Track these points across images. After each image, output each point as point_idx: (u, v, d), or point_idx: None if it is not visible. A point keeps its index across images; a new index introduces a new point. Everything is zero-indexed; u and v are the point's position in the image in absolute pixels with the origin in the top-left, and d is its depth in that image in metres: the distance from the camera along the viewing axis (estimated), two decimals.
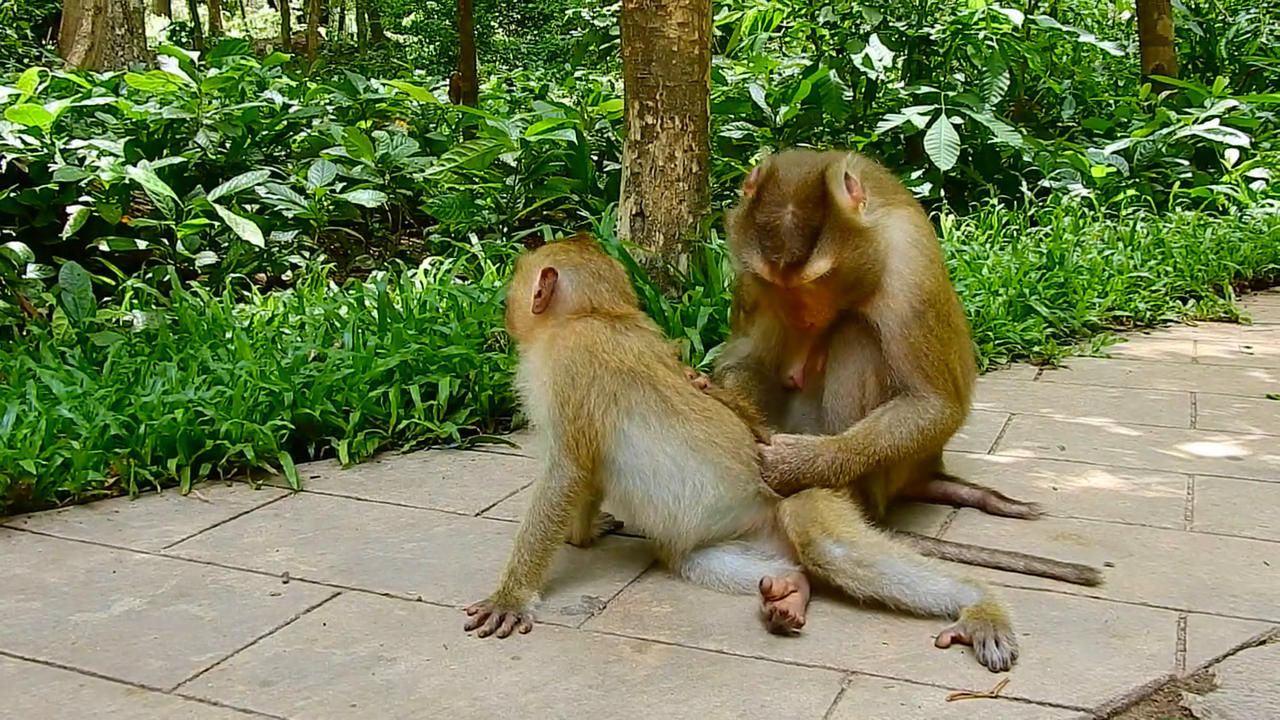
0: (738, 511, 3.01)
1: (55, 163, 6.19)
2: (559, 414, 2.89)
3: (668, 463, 2.92)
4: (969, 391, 3.44)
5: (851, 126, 9.33)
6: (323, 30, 32.02)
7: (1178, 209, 8.17)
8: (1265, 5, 14.35)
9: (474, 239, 6.67)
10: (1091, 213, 7.96)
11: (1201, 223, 7.73)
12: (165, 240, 6.26)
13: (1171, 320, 6.36)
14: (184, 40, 25.19)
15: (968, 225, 7.51)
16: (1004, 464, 4.02)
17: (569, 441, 2.89)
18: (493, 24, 30.38)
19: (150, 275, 5.85)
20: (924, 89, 8.87)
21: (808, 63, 10.32)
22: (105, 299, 5.55)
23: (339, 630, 2.78)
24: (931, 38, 9.70)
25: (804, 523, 2.92)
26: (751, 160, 8.69)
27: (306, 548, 3.29)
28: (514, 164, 7.64)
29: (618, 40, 6.36)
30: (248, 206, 6.88)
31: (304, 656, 2.65)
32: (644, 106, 5.34)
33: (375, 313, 4.91)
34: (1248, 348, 5.81)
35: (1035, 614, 2.84)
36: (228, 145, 7.68)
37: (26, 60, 15.35)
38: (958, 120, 8.33)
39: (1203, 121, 9.22)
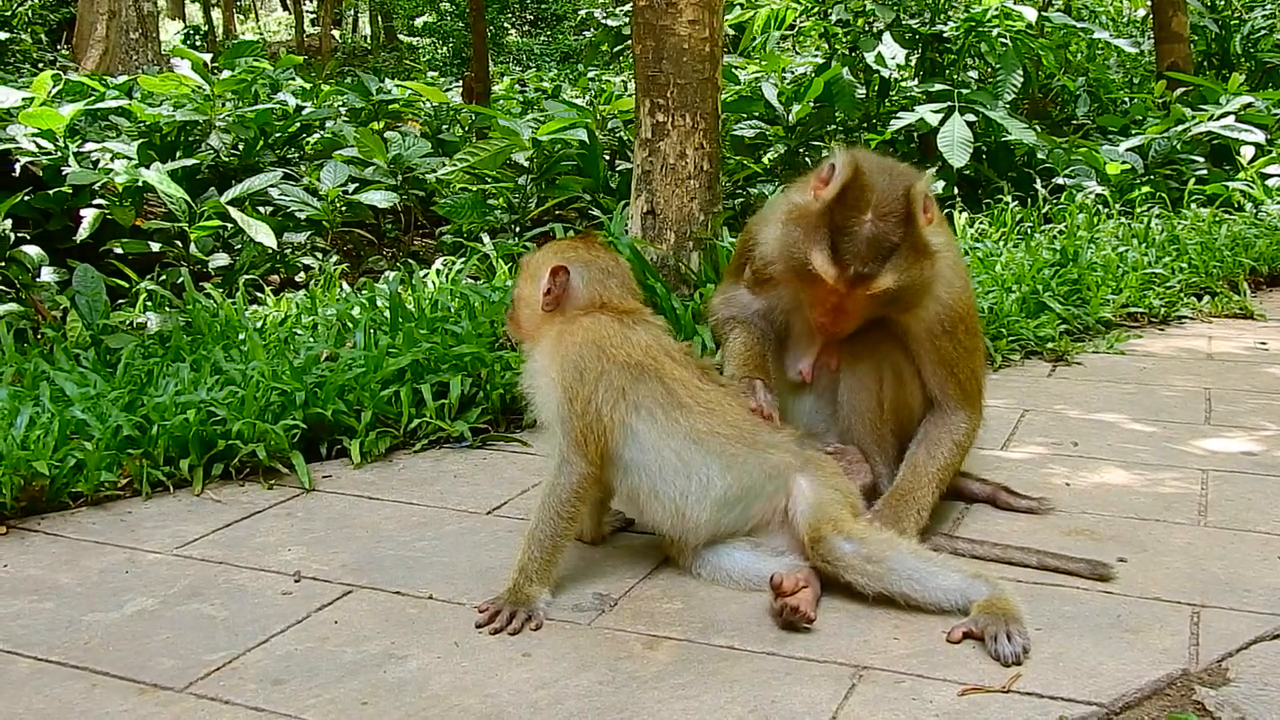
0: (747, 502, 3.00)
1: (69, 166, 6.23)
2: (567, 410, 2.90)
3: (673, 458, 2.93)
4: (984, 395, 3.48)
5: (864, 125, 9.31)
6: (336, 33, 32.13)
7: (1193, 206, 8.14)
8: None
9: (486, 239, 6.69)
10: (1106, 210, 7.94)
11: (1217, 219, 7.71)
12: (178, 242, 6.29)
13: (1186, 317, 6.33)
14: (198, 44, 25.28)
15: (981, 222, 7.49)
16: (1016, 460, 4.01)
17: (577, 438, 2.89)
18: (506, 25, 30.41)
19: (164, 277, 5.87)
20: (937, 86, 8.84)
21: (820, 61, 10.29)
22: (119, 301, 5.58)
23: (350, 628, 2.79)
24: (945, 35, 9.66)
25: (814, 519, 2.92)
26: (764, 159, 8.68)
27: (318, 547, 3.30)
28: (526, 164, 7.65)
29: (630, 40, 6.36)
30: (261, 208, 6.91)
31: (315, 655, 2.66)
32: (655, 104, 5.35)
33: (387, 312, 4.92)
34: (1263, 344, 5.78)
35: (1047, 609, 2.83)
36: (240, 147, 7.72)
37: (41, 64, 15.42)
38: (971, 118, 8.30)
39: (1218, 118, 9.18)
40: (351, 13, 37.34)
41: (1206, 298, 6.59)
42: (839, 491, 3.01)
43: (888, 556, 2.85)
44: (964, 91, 8.65)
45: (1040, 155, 8.82)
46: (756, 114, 9.24)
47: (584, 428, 2.89)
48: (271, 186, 6.86)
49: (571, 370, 2.91)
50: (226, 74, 8.90)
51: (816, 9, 10.52)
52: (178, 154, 7.22)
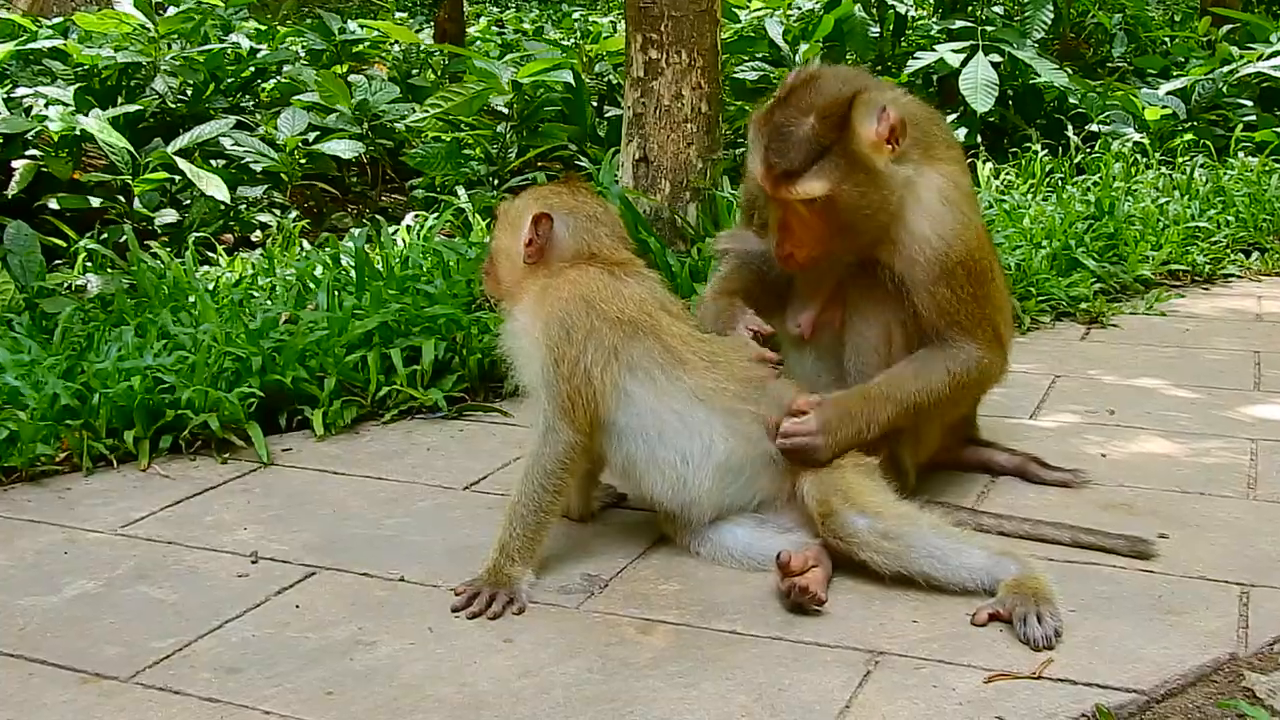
0: (752, 471, 2.99)
1: None
2: (553, 372, 2.88)
3: (674, 420, 2.92)
4: (1009, 341, 3.44)
5: (879, 67, 9.26)
6: None
7: (1240, 154, 8.12)
8: None
9: (461, 192, 6.65)
10: (1144, 159, 7.91)
11: (1266, 168, 7.69)
12: (121, 197, 6.25)
13: (1233, 274, 6.32)
14: None
15: (1007, 174, 7.47)
16: (1047, 429, 4.01)
17: (564, 402, 2.88)
18: None
19: (105, 236, 5.83)
20: (958, 24, 8.79)
21: None
22: (56, 262, 5.54)
23: (313, 613, 2.78)
24: None
25: (825, 491, 2.91)
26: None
27: (277, 525, 3.29)
28: (505, 110, 7.61)
29: None
30: (212, 160, 6.87)
31: (274, 641, 2.65)
32: (647, 39, 5.31)
33: (353, 272, 4.90)
34: None
35: (1082, 589, 2.83)
36: (189, 92, 7.66)
37: None
38: (996, 58, 8.26)
39: (1268, 58, 9.13)
40: None
41: (1255, 254, 6.57)
42: (853, 459, 3.00)
43: (906, 532, 2.84)
44: (988, 29, 8.59)
45: (1072, 100, 8.78)
46: (760, 55, 9.19)
47: (571, 391, 2.87)
48: (223, 136, 6.82)
49: (557, 328, 2.89)
50: (173, 11, 8.82)
51: None
52: (119, 100, 7.17)
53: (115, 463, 3.71)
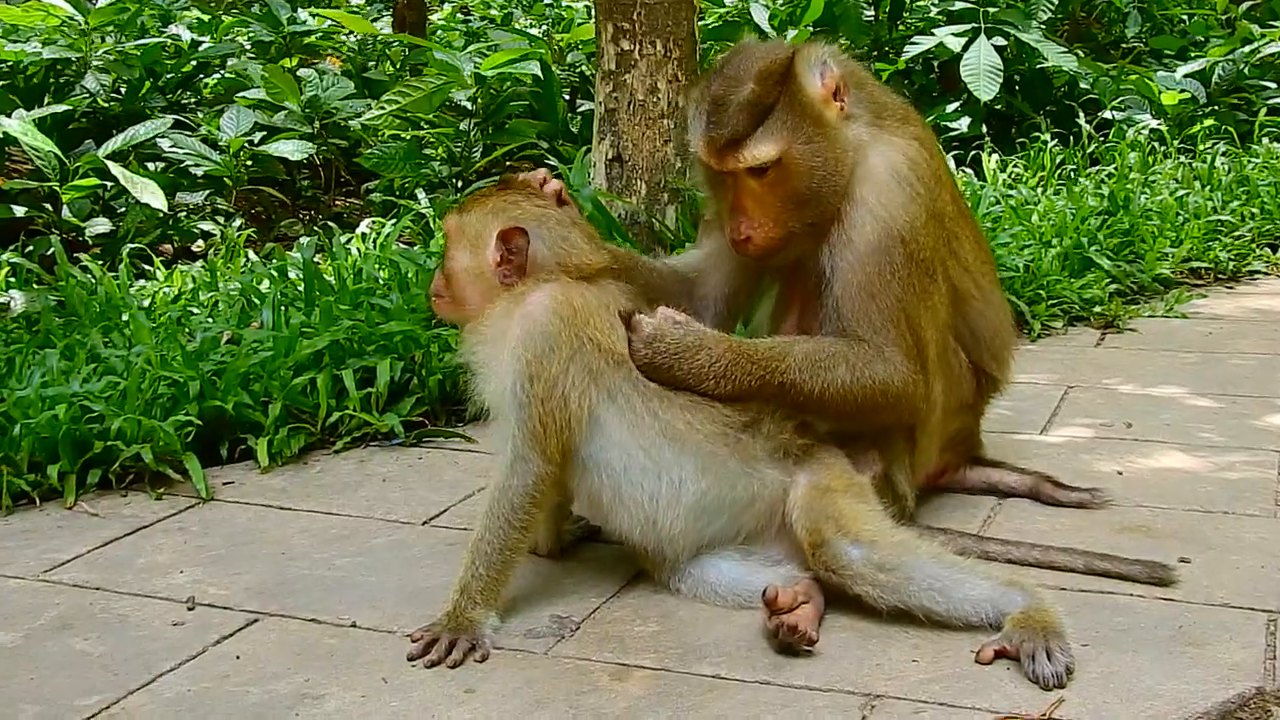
0: (734, 511, 2.97)
1: None
2: (526, 393, 2.85)
3: (640, 456, 2.89)
4: (935, 373, 3.24)
5: (874, 52, 9.29)
6: None
7: (1264, 140, 8.17)
8: None
9: (421, 195, 6.65)
10: (1162, 148, 7.95)
11: None
12: (48, 206, 6.24)
13: (1259, 271, 6.35)
14: None
15: (1015, 166, 7.49)
16: (1059, 445, 4.01)
17: (535, 428, 2.85)
18: None
19: (30, 248, 5.82)
20: (959, 5, 8.83)
21: None
22: None
23: (255, 664, 2.75)
24: None
25: (815, 519, 2.89)
26: None
27: (217, 567, 3.25)
28: (469, 105, 7.61)
29: None
30: (148, 164, 6.87)
31: (212, 696, 2.62)
32: (619, 29, 5.31)
33: (301, 285, 4.87)
34: None
35: (1096, 621, 2.82)
36: (123, 90, 7.66)
37: None
38: (1000, 41, 8.30)
39: None
40: None
41: None
42: (845, 483, 2.98)
43: (904, 563, 2.82)
44: (991, 10, 8.63)
45: (1083, 85, 8.83)
46: None
47: (544, 415, 2.84)
48: (161, 137, 6.82)
49: (540, 343, 2.85)
50: (104, 2, 8.80)
51: None
52: (46, 99, 7.17)
53: (38, 500, 3.68)
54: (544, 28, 11.89)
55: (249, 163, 7.06)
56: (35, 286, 5.17)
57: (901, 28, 9.47)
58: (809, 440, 3.05)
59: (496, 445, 2.98)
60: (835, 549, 2.85)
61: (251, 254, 6.05)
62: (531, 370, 2.85)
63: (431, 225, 6.19)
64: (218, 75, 8.41)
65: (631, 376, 2.92)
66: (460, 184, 7.28)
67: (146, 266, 5.94)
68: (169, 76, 8.21)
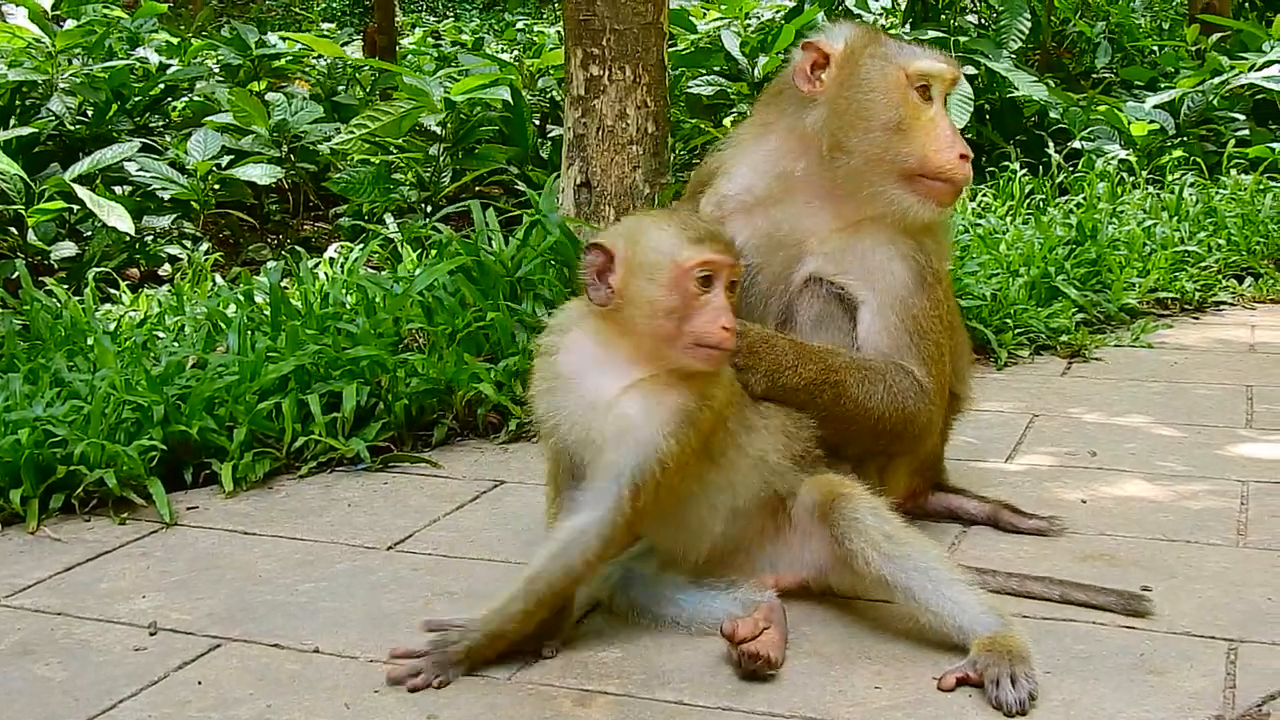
0: (747, 516, 3.02)
1: None
2: (655, 464, 2.77)
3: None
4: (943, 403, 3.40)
5: None
6: None
7: (1232, 172, 8.25)
8: None
9: (390, 220, 6.66)
10: (1131, 178, 8.03)
11: (1261, 187, 7.81)
12: (13, 229, 6.22)
13: (1225, 302, 6.42)
14: None
15: (984, 195, 7.55)
16: (1023, 473, 4.04)
17: (645, 483, 2.78)
18: None
19: None
20: (930, 34, 8.92)
21: (790, 4, 10.35)
22: None
23: (217, 690, 2.75)
24: None
25: (828, 488, 2.96)
26: (725, 121, 8.71)
27: (179, 592, 3.25)
28: (438, 130, 7.63)
29: None
30: (115, 187, 6.86)
31: None
32: (588, 54, 5.35)
33: (268, 310, 4.87)
34: None
35: (1058, 648, 2.84)
36: (90, 113, 7.65)
37: None
38: (971, 71, 8.38)
39: (1261, 69, 9.31)
40: None
41: (1249, 280, 6.68)
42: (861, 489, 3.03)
43: (910, 542, 2.86)
44: (962, 39, 8.73)
45: (1053, 114, 8.91)
46: (716, 68, 9.28)
47: (657, 485, 2.79)
48: (128, 160, 6.81)
49: (692, 417, 2.81)
50: (71, 24, 8.81)
51: None
52: (11, 122, 7.14)
53: (0, 525, 3.66)
54: (514, 53, 11.96)
55: (216, 186, 7.06)
56: (0, 310, 5.16)
57: None
58: (821, 452, 3.11)
59: (572, 485, 2.94)
60: (850, 504, 2.90)
61: (219, 278, 6.04)
62: (669, 448, 2.79)
63: (400, 249, 6.20)
64: (186, 98, 8.41)
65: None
66: (429, 209, 7.29)
67: (112, 290, 5.93)
68: (136, 99, 8.20)
